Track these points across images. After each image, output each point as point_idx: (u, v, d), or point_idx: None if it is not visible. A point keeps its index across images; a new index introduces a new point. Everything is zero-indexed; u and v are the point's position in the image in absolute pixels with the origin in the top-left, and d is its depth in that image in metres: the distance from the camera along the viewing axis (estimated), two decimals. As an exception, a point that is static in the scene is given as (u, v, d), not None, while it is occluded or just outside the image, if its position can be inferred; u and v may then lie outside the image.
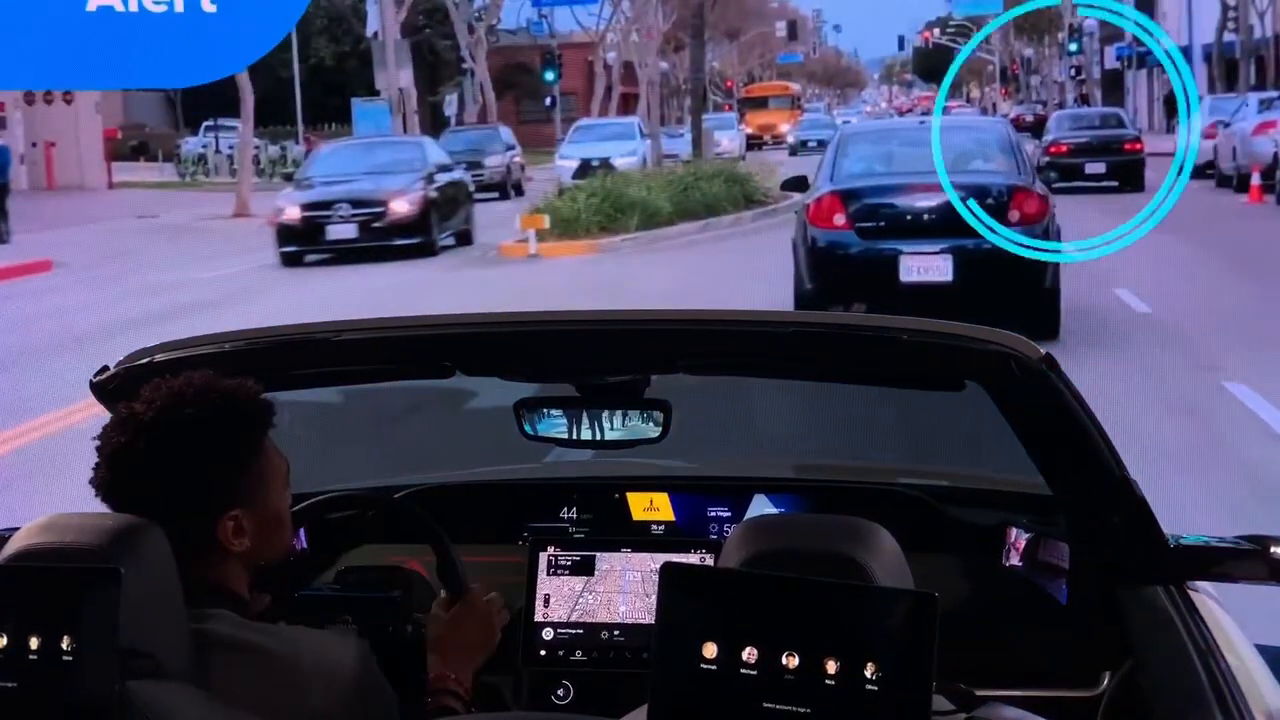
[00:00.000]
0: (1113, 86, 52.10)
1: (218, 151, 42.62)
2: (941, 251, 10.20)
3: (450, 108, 43.00)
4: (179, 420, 1.83)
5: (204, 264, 19.01)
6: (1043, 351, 1.96)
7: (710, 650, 1.40)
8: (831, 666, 1.37)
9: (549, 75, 41.70)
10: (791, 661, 1.38)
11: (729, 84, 69.81)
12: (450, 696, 2.12)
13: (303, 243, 18.71)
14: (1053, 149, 25.62)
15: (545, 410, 2.33)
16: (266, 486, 1.90)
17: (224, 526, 1.85)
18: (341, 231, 18.67)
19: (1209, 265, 13.88)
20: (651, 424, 2.29)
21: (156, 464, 1.82)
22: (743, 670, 1.39)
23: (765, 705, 1.38)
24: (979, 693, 1.70)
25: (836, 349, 2.13)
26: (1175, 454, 6.82)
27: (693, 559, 2.42)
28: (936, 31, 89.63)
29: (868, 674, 1.36)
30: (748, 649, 1.39)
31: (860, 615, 1.39)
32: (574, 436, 2.33)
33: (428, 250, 18.79)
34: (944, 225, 10.32)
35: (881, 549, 1.55)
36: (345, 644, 1.87)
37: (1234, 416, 7.88)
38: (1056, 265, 10.35)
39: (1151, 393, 8.40)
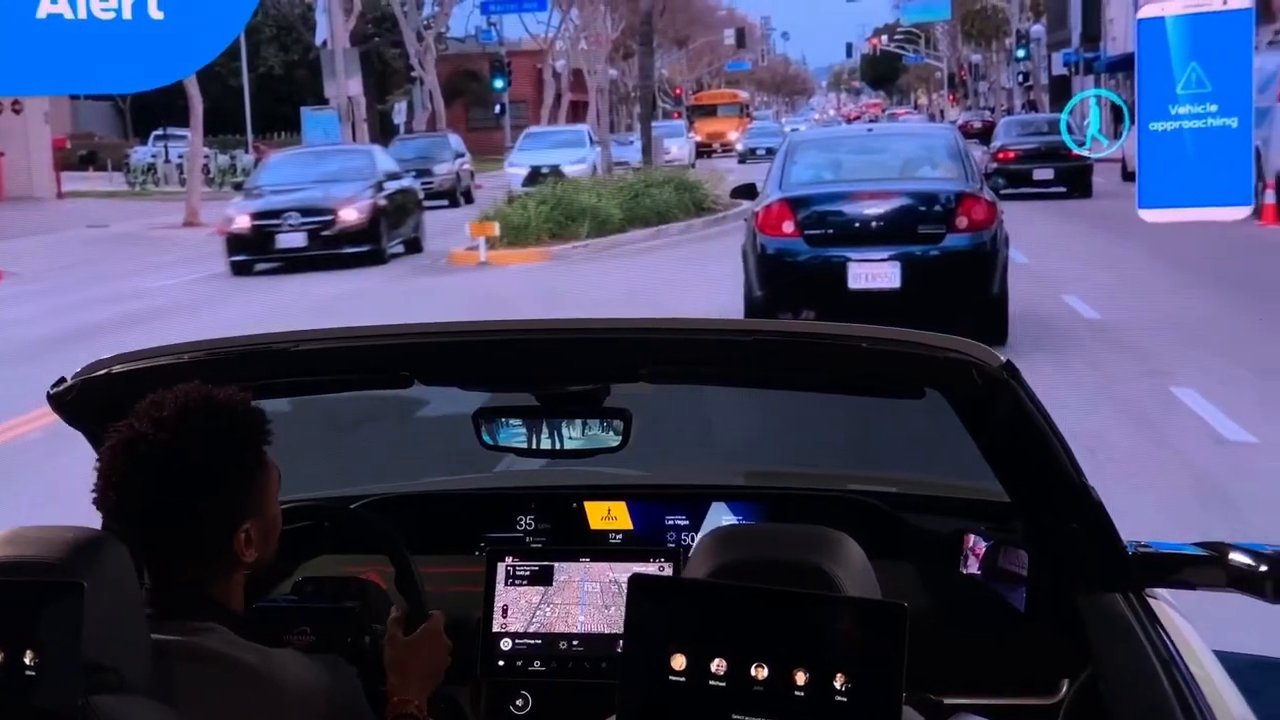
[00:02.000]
0: (1060, 93, 52.57)
1: (167, 161, 42.28)
2: (889, 258, 10.26)
3: (399, 115, 42.83)
4: (193, 436, 1.84)
5: (154, 273, 18.85)
6: (1003, 359, 1.96)
7: (679, 661, 1.39)
8: (801, 677, 1.36)
9: (498, 83, 41.62)
10: (760, 673, 1.37)
11: (678, 91, 69.94)
12: None
13: (252, 251, 18.59)
14: (1001, 155, 25.81)
15: (504, 420, 2.31)
16: (268, 494, 1.93)
17: (239, 538, 1.87)
18: (291, 240, 18.57)
19: (1158, 271, 14.03)
20: (611, 433, 2.27)
21: (175, 481, 1.83)
22: (711, 681, 1.38)
23: (734, 717, 1.37)
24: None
25: (798, 357, 2.13)
26: (1123, 459, 6.89)
27: (651, 568, 2.41)
28: (884, 38, 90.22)
29: (837, 685, 1.36)
30: (716, 660, 1.38)
31: (830, 626, 1.38)
32: (533, 446, 2.31)
33: (377, 258, 18.72)
34: (891, 232, 10.39)
35: (849, 558, 1.55)
36: (331, 671, 1.88)
37: (1182, 422, 7.97)
38: (1004, 271, 10.43)
39: (1100, 398, 8.48)
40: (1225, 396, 8.23)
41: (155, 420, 1.86)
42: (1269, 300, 12.14)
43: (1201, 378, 8.78)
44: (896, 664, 1.36)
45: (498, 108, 46.30)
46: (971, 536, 2.34)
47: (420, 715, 2.13)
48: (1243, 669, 2.09)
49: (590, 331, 2.22)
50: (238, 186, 23.57)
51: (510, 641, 2.43)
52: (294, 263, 18.44)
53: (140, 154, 44.16)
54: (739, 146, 51.38)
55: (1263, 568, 2.04)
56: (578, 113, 49.17)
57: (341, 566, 2.47)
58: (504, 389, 2.33)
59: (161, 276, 18.42)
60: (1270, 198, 17.72)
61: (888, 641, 1.36)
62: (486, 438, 2.32)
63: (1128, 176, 26.46)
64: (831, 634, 1.38)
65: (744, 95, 72.61)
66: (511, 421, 2.31)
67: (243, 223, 18.69)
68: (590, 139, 33.53)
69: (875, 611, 1.39)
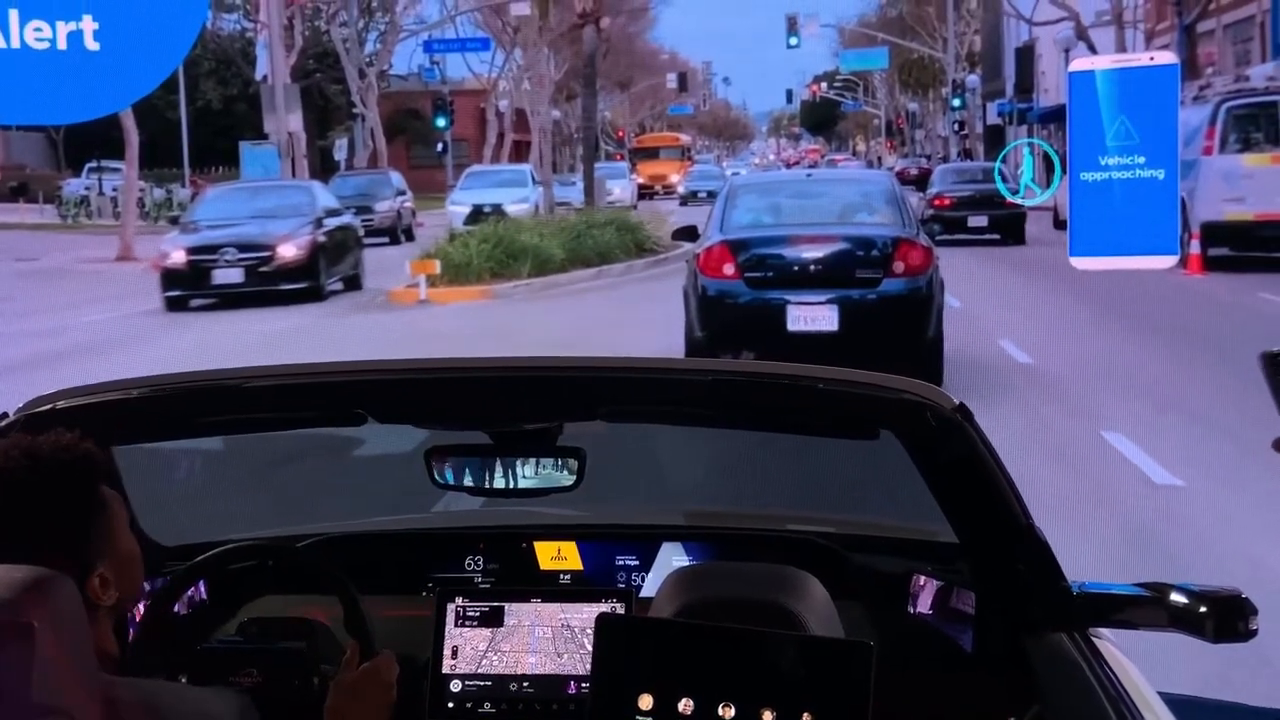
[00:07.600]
0: (995, 142, 53.33)
1: (101, 193, 41.83)
2: (827, 301, 10.35)
3: (340, 152, 42.71)
4: (19, 498, 1.77)
5: (85, 308, 18.61)
6: (956, 401, 1.98)
7: (646, 702, 1.38)
8: (768, 717, 1.36)
9: (440, 121, 41.61)
10: (728, 712, 1.36)
11: (620, 134, 70.33)
12: None
13: (188, 287, 18.41)
14: (936, 202, 26.17)
15: (457, 458, 2.26)
16: (115, 533, 1.86)
17: (93, 584, 1.81)
18: (227, 276, 18.42)
19: (1087, 318, 14.23)
20: (565, 472, 2.23)
21: (9, 547, 1.74)
22: None
23: None
24: None
25: (756, 397, 2.12)
26: (1054, 502, 6.96)
27: (603, 609, 2.35)
28: (823, 86, 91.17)
29: None
30: (684, 700, 1.37)
31: (796, 665, 1.37)
32: (487, 484, 2.26)
33: (315, 295, 18.60)
34: (830, 276, 10.49)
35: (813, 597, 1.55)
36: (223, 700, 1.83)
37: (1112, 466, 8.07)
38: (940, 315, 10.55)
39: (1031, 441, 8.57)
40: (1153, 441, 8.35)
41: None
42: (1194, 347, 12.35)
43: (1130, 422, 8.91)
44: (862, 702, 1.35)
45: (440, 146, 46.27)
46: (920, 577, 2.35)
47: None
48: (1180, 708, 2.11)
49: (549, 370, 2.18)
50: (174, 221, 23.28)
51: (460, 683, 2.39)
52: (230, 299, 18.29)
53: (73, 186, 43.65)
54: (680, 189, 51.68)
55: (1203, 608, 2.05)
56: (520, 152, 49.26)
57: (286, 607, 2.43)
58: (460, 427, 2.28)
59: (93, 312, 18.18)
60: (1195, 248, 18.15)
61: (854, 680, 1.36)
62: (438, 476, 2.27)
63: (1059, 224, 26.87)
64: (798, 673, 1.37)
65: (686, 139, 73.07)
66: (464, 460, 2.26)
67: (178, 257, 18.52)
68: (533, 179, 33.59)
69: (841, 650, 1.38)
